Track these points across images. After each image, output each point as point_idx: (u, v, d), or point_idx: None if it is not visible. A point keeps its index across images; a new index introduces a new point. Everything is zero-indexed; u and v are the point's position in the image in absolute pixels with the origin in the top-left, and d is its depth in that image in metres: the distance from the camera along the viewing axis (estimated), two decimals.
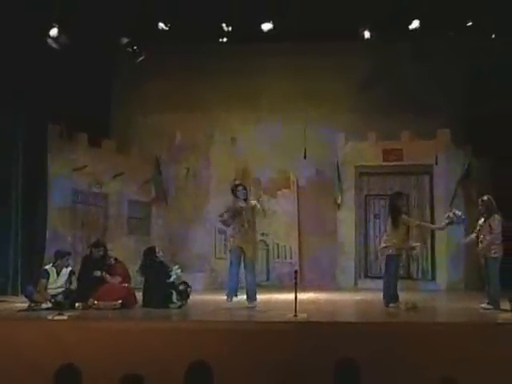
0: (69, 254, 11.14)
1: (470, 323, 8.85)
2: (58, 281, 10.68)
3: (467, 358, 7.26)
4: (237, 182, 12.07)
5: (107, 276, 10.96)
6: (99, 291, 10.57)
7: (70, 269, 10.87)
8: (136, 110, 17.80)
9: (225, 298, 10.96)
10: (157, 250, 11.39)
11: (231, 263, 10.98)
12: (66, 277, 10.72)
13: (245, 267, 10.90)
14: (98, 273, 10.93)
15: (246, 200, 10.98)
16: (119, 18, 13.92)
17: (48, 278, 10.68)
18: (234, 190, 11.13)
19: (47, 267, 10.90)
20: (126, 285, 11.03)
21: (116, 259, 11.56)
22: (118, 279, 11.05)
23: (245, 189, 11.14)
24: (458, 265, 15.61)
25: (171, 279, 10.84)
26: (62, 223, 14.71)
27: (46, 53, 13.38)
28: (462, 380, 5.26)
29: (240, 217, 10.85)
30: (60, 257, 10.96)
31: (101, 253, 11.21)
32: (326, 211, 17.14)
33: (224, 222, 11.25)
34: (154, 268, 11.05)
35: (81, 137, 15.44)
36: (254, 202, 11.19)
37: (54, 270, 10.78)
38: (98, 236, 14.81)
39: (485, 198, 10.46)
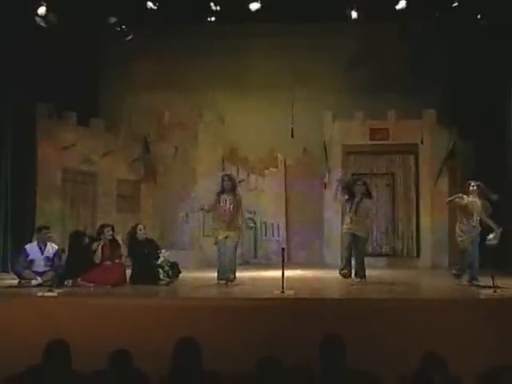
0: (45, 227, 11.15)
1: (453, 299, 9.00)
2: (44, 257, 10.75)
3: (451, 334, 7.42)
4: (223, 173, 12.12)
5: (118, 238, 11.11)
6: (93, 273, 10.61)
7: (56, 246, 10.92)
8: (124, 89, 17.79)
9: (214, 274, 11.16)
10: (138, 227, 11.40)
11: (219, 254, 11.11)
12: (52, 252, 10.76)
13: (226, 249, 11.03)
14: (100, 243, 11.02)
15: (232, 191, 11.11)
16: None
17: (27, 256, 10.76)
18: (221, 182, 11.20)
19: (28, 246, 10.97)
20: (118, 261, 11.05)
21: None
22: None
23: (230, 179, 11.23)
24: (442, 242, 15.77)
25: (158, 261, 10.94)
26: (52, 202, 14.76)
27: (34, 31, 13.38)
28: (446, 355, 5.38)
29: (222, 210, 10.97)
30: (37, 231, 11.04)
31: (86, 242, 11.25)
32: (313, 190, 17.25)
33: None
34: (139, 246, 11.14)
35: (69, 116, 15.44)
36: (239, 196, 11.27)
37: (37, 246, 10.85)
38: (88, 214, 14.98)
39: (478, 183, 10.76)
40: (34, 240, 11.01)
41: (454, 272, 10.99)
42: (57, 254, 10.74)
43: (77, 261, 10.65)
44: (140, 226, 11.45)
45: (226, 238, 10.96)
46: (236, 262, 11.23)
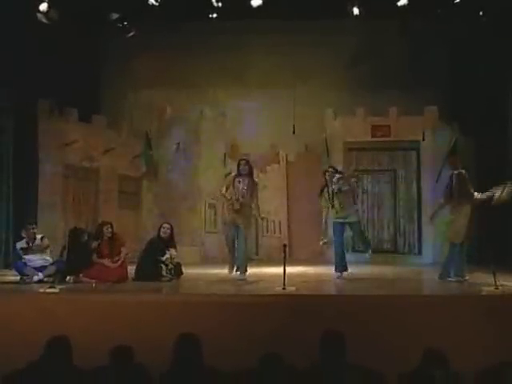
0: (31, 223, 11.23)
1: (454, 296, 9.02)
2: (35, 252, 10.77)
3: (451, 330, 7.43)
4: (240, 158, 12.19)
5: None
6: (94, 270, 10.63)
7: (39, 235, 10.96)
8: (126, 86, 17.76)
9: (216, 271, 11.20)
10: (163, 226, 11.42)
11: (227, 241, 11.30)
12: (39, 243, 10.81)
13: (237, 238, 11.09)
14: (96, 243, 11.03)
15: (248, 175, 11.14)
16: None
17: (20, 255, 10.79)
18: (237, 167, 11.30)
19: (17, 244, 10.99)
20: (120, 261, 11.03)
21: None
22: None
23: (247, 164, 11.27)
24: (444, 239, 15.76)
25: (163, 258, 10.95)
26: (53, 198, 14.76)
27: (35, 27, 13.37)
28: (446, 351, 5.39)
29: (234, 190, 11.01)
30: (24, 228, 11.09)
31: (85, 239, 11.25)
32: (314, 186, 17.16)
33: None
34: (153, 243, 11.20)
35: (71, 112, 15.43)
36: (255, 180, 11.38)
37: (25, 244, 10.87)
38: (89, 211, 15.05)
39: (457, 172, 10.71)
40: (24, 237, 11.02)
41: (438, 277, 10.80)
42: (42, 239, 10.86)
43: (77, 258, 10.67)
44: (165, 225, 11.46)
45: (234, 222, 11.03)
46: (246, 254, 11.30)
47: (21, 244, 10.87)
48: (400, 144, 16.42)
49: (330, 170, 11.71)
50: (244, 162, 11.34)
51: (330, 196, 11.34)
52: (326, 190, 11.49)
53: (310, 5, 14.54)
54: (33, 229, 10.97)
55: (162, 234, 11.26)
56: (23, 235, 10.96)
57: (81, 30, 14.82)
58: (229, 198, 11.09)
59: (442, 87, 16.76)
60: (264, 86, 17.38)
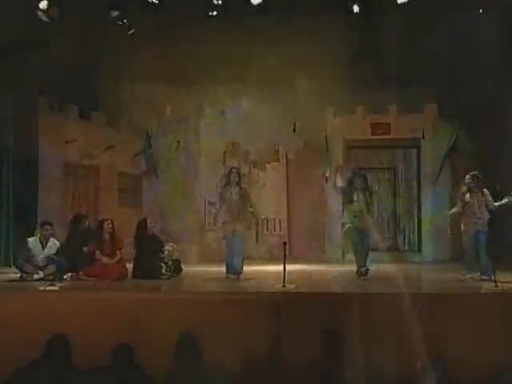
0: (48, 223, 11.08)
1: (455, 294, 9.01)
2: (44, 252, 10.74)
3: (452, 327, 7.42)
4: (230, 166, 12.17)
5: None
6: (94, 268, 10.62)
7: (57, 243, 10.92)
8: (126, 83, 17.76)
9: (216, 268, 11.19)
10: (148, 222, 11.41)
11: (227, 248, 11.16)
12: (54, 249, 10.79)
13: (237, 244, 11.07)
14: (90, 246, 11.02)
15: (238, 183, 11.14)
16: None
17: (29, 250, 10.75)
18: (228, 175, 11.26)
19: (30, 239, 10.98)
20: (118, 258, 11.02)
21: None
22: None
23: (237, 172, 11.29)
24: (444, 236, 15.77)
25: (163, 255, 10.94)
26: (53, 196, 14.76)
27: (35, 25, 13.37)
28: (447, 348, 5.40)
29: (229, 203, 11.02)
30: (39, 226, 11.08)
31: (86, 225, 11.24)
32: (314, 184, 17.23)
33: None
34: (144, 240, 11.13)
35: (71, 110, 15.44)
36: (244, 187, 11.37)
37: (38, 242, 10.86)
38: (89, 208, 15.05)
39: (476, 172, 10.66)
40: (37, 234, 11.04)
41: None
42: (58, 251, 10.79)
43: (76, 247, 10.68)
44: (150, 220, 11.45)
45: (233, 231, 11.00)
46: (243, 255, 11.25)
47: (33, 240, 10.87)
48: (400, 142, 16.43)
49: (361, 176, 11.39)
50: (235, 170, 11.39)
51: (368, 199, 11.17)
52: (362, 191, 11.17)
53: (309, 2, 14.54)
54: (49, 230, 10.95)
55: (149, 230, 11.23)
56: (38, 232, 11.00)
57: (81, 28, 14.81)
58: (223, 211, 11.19)
59: (443, 84, 16.73)
60: (264, 83, 17.36)
